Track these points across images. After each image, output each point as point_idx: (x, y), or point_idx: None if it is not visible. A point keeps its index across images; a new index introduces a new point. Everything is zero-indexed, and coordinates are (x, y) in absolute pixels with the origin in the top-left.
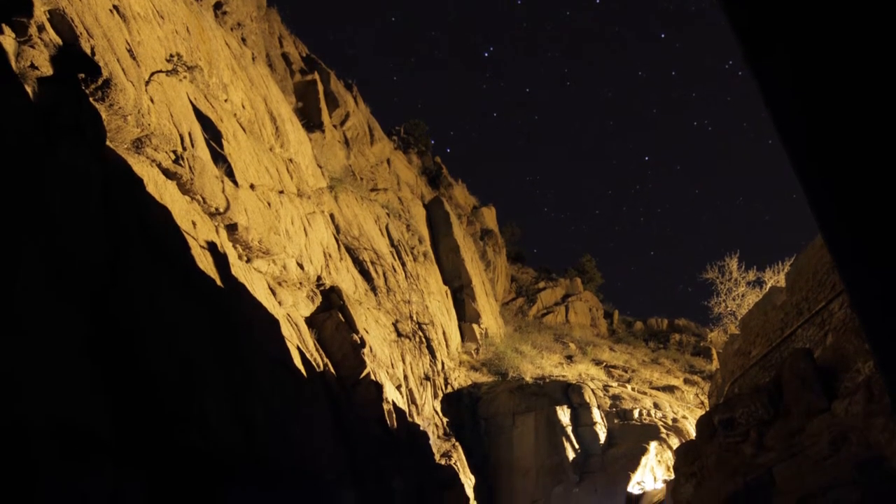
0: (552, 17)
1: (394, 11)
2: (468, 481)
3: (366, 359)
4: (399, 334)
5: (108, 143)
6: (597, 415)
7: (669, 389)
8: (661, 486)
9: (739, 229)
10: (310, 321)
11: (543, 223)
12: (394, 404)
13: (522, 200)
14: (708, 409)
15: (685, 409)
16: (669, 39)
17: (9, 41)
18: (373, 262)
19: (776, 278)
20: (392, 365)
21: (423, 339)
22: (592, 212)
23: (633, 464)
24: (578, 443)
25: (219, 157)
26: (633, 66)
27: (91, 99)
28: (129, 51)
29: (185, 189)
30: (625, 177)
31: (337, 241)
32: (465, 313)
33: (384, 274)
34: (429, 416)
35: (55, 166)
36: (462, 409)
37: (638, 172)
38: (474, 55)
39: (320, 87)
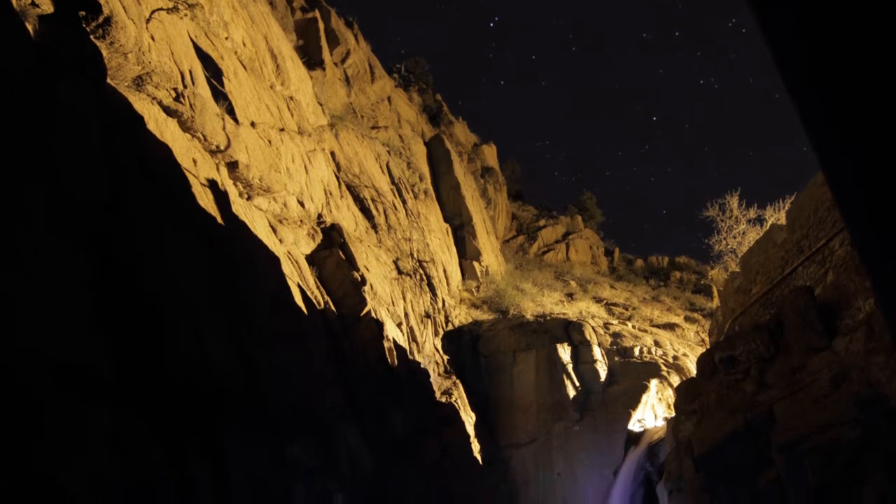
0: None
1: None
2: (469, 418)
3: (366, 296)
4: (400, 272)
5: (108, 80)
6: (597, 352)
7: (670, 327)
8: (661, 423)
9: (749, 186)
10: (310, 259)
11: (554, 187)
12: (394, 342)
13: (531, 164)
14: (708, 346)
15: (686, 347)
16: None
17: None
18: (373, 200)
19: (777, 216)
20: (393, 302)
21: (424, 277)
22: (603, 173)
23: (634, 401)
24: (579, 380)
25: (219, 95)
26: (636, 28)
27: (92, 37)
28: None
29: (185, 127)
30: (634, 138)
31: (337, 178)
32: (466, 251)
33: (385, 211)
34: (429, 353)
35: (55, 104)
36: (463, 346)
37: (647, 133)
38: (480, 26)
39: (321, 25)
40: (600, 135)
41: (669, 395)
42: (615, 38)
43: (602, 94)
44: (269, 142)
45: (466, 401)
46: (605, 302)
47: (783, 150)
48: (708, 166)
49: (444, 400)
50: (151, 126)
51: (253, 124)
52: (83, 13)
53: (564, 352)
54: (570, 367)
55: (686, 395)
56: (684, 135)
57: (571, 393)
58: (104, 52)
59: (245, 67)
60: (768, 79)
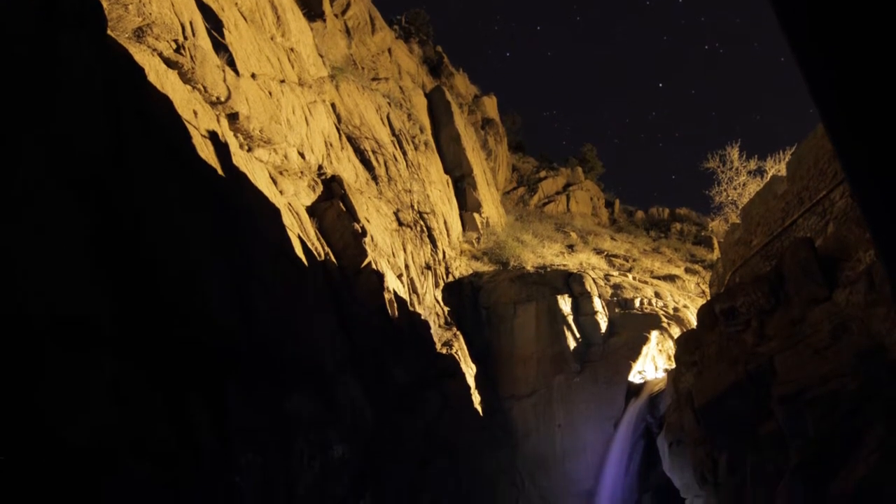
0: None
1: None
2: (469, 370)
3: (367, 248)
4: (400, 223)
5: (109, 32)
6: (598, 304)
7: (670, 279)
8: (662, 375)
9: (753, 145)
10: (311, 210)
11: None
12: (395, 293)
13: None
14: (709, 298)
15: (686, 299)
16: None
17: None
18: (374, 152)
19: (777, 167)
20: (393, 254)
21: (425, 228)
22: (611, 140)
23: (634, 353)
24: (579, 332)
25: (220, 47)
26: None
27: None
28: None
29: (186, 78)
30: (640, 105)
31: (338, 130)
32: (467, 202)
33: (385, 163)
34: (430, 305)
35: (56, 57)
36: (463, 298)
37: (653, 100)
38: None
39: None
40: (607, 103)
41: (670, 346)
42: (618, 7)
43: (607, 62)
44: (270, 93)
45: (467, 352)
46: (605, 253)
47: (788, 113)
48: (715, 131)
49: (444, 352)
50: (152, 78)
51: (253, 76)
52: None
53: (565, 303)
54: (570, 319)
55: (686, 346)
56: (690, 101)
57: (572, 344)
58: (104, 4)
59: (245, 19)
60: (773, 42)
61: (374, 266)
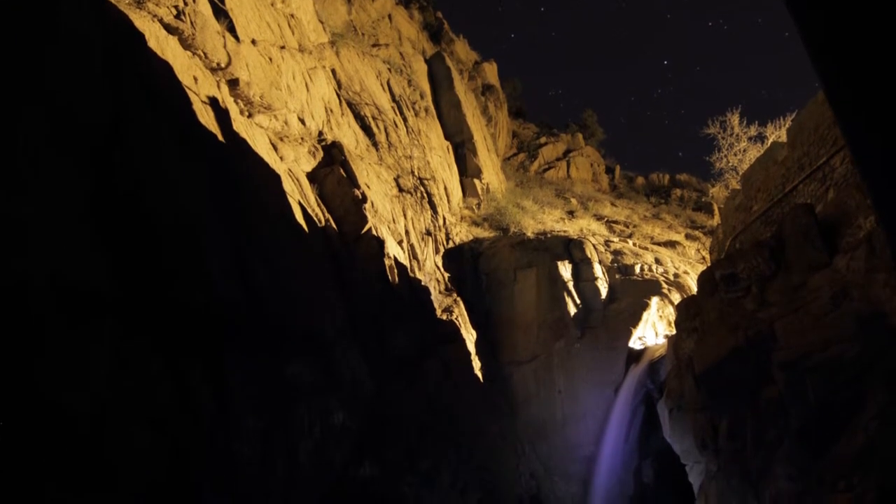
0: None
1: None
2: (469, 336)
3: (367, 214)
4: (400, 189)
5: None
6: (598, 270)
7: (671, 245)
8: (662, 341)
9: (759, 117)
10: (311, 176)
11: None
12: (395, 259)
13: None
14: (709, 264)
15: (686, 265)
16: None
17: None
18: (374, 118)
19: (778, 133)
20: (393, 220)
21: (425, 194)
22: (617, 120)
23: (635, 319)
24: (580, 298)
25: (220, 12)
26: None
27: None
28: None
29: (186, 44)
30: (645, 82)
31: (338, 96)
32: (467, 168)
33: (385, 129)
34: (430, 271)
35: (56, 24)
36: (463, 264)
37: (658, 77)
38: None
39: None
40: (612, 81)
41: (670, 312)
42: None
43: (611, 41)
44: (270, 59)
45: (467, 318)
46: (605, 219)
47: (792, 89)
48: (722, 107)
49: (444, 317)
50: (152, 44)
51: (254, 42)
52: None
53: (565, 269)
54: (570, 285)
55: (687, 312)
56: (696, 77)
57: (572, 310)
58: None
59: None
60: (776, 17)
61: (374, 232)
